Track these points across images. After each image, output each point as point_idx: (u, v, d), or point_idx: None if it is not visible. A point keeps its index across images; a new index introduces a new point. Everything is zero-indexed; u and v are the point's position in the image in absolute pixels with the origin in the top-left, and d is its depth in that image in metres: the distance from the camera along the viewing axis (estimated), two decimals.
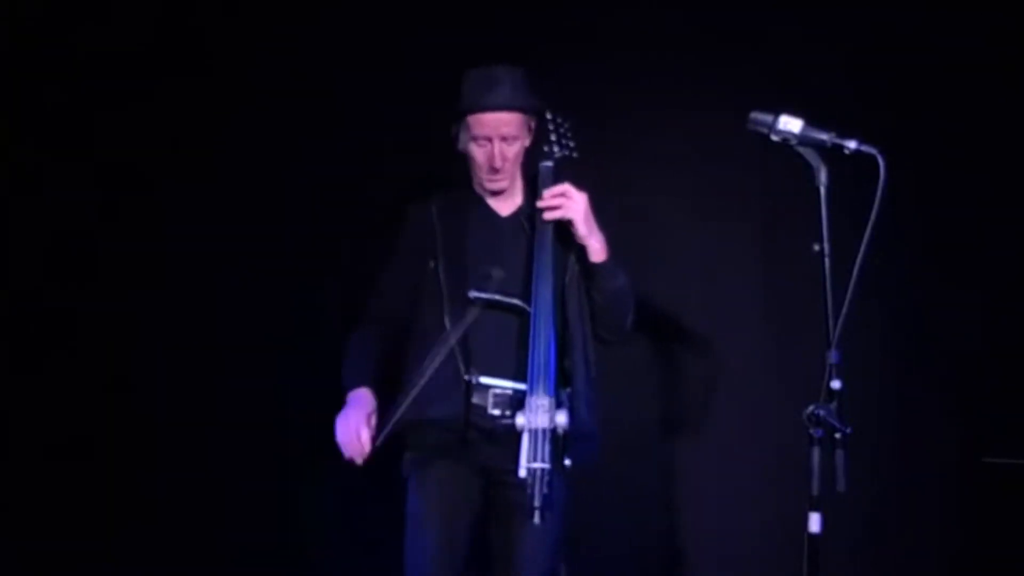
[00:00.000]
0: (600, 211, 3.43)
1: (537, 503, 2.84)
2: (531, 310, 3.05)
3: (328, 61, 3.90)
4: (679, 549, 3.96)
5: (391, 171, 3.83)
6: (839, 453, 2.42)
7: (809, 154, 2.56)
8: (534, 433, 2.91)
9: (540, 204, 3.11)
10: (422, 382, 2.99)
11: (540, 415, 2.93)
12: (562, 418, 2.94)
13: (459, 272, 3.11)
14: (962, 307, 3.91)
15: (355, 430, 2.98)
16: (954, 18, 3.85)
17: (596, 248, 3.16)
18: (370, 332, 3.20)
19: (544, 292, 3.06)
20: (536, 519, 2.83)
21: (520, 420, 2.94)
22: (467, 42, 3.79)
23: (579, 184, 3.17)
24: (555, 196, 3.11)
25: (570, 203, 3.11)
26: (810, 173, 2.55)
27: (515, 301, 3.08)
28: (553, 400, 2.96)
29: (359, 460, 2.98)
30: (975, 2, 3.86)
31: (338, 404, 3.07)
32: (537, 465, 2.88)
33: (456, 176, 3.28)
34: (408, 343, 3.14)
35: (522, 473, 2.89)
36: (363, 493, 3.78)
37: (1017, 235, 3.87)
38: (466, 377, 3.03)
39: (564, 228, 3.15)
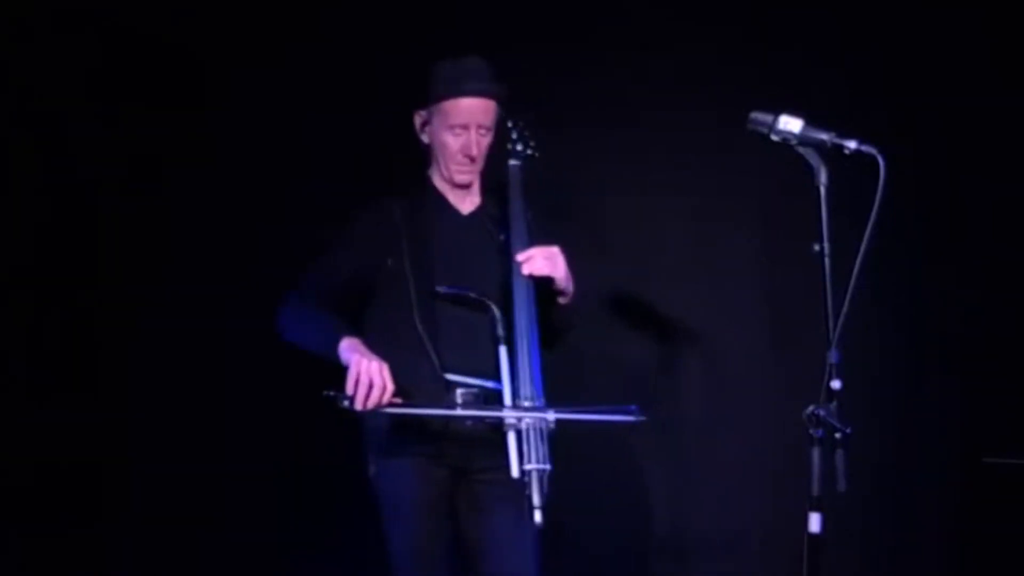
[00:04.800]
0: (600, 211, 3.43)
1: (539, 503, 2.82)
2: (513, 309, 3.04)
3: (332, 63, 3.90)
4: (678, 549, 3.96)
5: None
6: (839, 453, 2.41)
7: (809, 154, 2.56)
8: (524, 433, 2.89)
9: (520, 258, 3.08)
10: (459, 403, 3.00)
11: (530, 414, 2.91)
12: (552, 416, 2.92)
13: (424, 270, 3.09)
14: (962, 307, 3.91)
15: (379, 369, 2.88)
16: (954, 17, 3.86)
17: (570, 292, 3.17)
18: (322, 311, 3.11)
19: (522, 291, 3.06)
20: (538, 519, 2.81)
21: (508, 420, 2.92)
22: (466, 40, 3.79)
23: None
24: (545, 258, 3.09)
25: (557, 264, 3.11)
26: (810, 173, 2.55)
27: (485, 299, 3.07)
28: (543, 399, 2.96)
29: (383, 398, 2.88)
30: (975, 1, 3.86)
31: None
32: (538, 466, 2.86)
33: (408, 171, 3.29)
34: (369, 340, 3.04)
35: (515, 473, 2.87)
36: (322, 496, 3.79)
37: (1018, 235, 3.87)
38: (447, 377, 3.02)
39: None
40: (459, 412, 3.00)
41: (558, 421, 2.93)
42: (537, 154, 3.28)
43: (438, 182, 3.24)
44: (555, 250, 3.12)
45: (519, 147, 3.27)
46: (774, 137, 2.59)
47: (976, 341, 3.89)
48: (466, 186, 3.23)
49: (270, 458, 3.82)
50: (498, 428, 2.95)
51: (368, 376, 2.88)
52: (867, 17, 3.90)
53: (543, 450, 2.88)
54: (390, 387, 2.89)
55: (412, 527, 3.08)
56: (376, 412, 2.92)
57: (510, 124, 3.27)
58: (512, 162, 3.26)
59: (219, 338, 3.84)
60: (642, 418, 2.97)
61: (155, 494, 3.80)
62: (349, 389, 2.88)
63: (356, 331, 3.04)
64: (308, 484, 3.82)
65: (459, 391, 3.03)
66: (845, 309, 2.46)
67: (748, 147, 2.83)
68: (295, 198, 3.85)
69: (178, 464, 3.79)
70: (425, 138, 3.22)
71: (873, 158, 2.49)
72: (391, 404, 2.92)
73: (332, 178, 3.83)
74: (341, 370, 2.94)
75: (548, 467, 2.87)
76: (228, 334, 3.84)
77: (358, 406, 2.88)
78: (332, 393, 2.90)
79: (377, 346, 3.00)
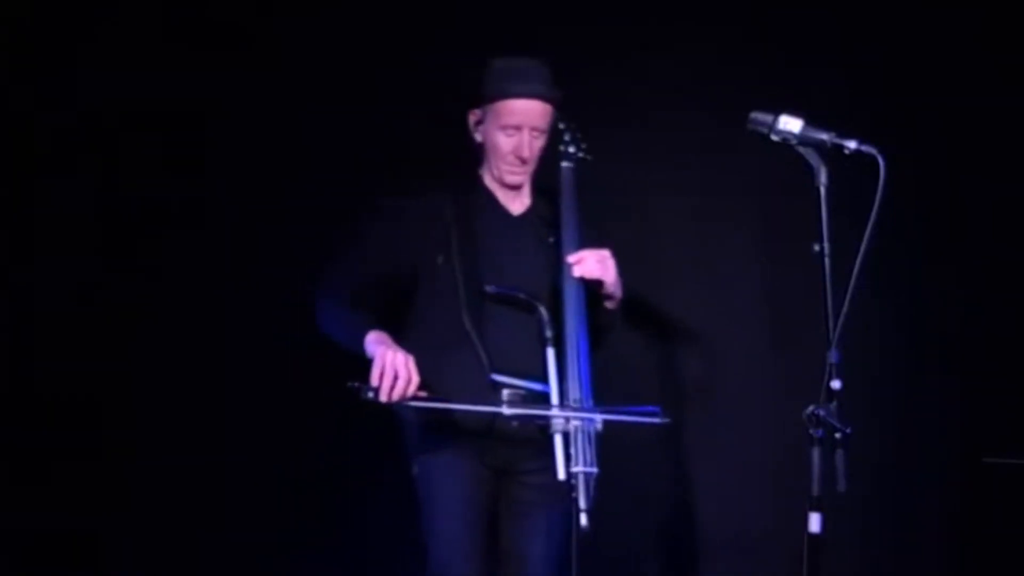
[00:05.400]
0: (601, 211, 3.42)
1: (585, 506, 2.80)
2: (563, 311, 3.02)
3: (348, 55, 3.89)
4: (678, 549, 3.96)
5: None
6: (839, 453, 2.41)
7: (809, 154, 2.56)
8: (571, 435, 2.87)
9: (571, 259, 3.07)
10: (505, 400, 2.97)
11: (579, 417, 2.89)
12: (599, 417, 2.91)
13: (474, 269, 3.07)
14: (962, 307, 3.91)
15: (404, 361, 2.86)
16: (954, 17, 3.86)
17: (618, 297, 3.17)
18: (347, 301, 3.07)
19: (572, 293, 3.04)
20: (584, 522, 2.78)
21: (556, 423, 2.90)
22: (466, 40, 3.81)
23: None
24: (597, 261, 3.08)
25: (608, 267, 3.10)
26: (810, 173, 2.55)
27: (534, 301, 3.04)
28: (592, 402, 2.94)
29: (407, 390, 2.85)
30: (975, 1, 3.86)
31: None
32: (585, 469, 2.83)
33: (459, 168, 3.28)
34: (412, 338, 3.05)
35: (561, 476, 2.85)
36: (323, 495, 3.79)
37: (1018, 235, 3.87)
38: (493, 377, 2.99)
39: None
40: (481, 407, 2.96)
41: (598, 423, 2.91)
42: (590, 157, 3.28)
43: (489, 182, 3.23)
44: (606, 253, 3.10)
45: (571, 149, 3.25)
46: (774, 137, 2.59)
47: (976, 341, 3.89)
48: (516, 187, 3.22)
49: (271, 458, 3.81)
50: (545, 430, 2.92)
51: (393, 368, 2.86)
52: (867, 17, 3.90)
53: (591, 453, 2.86)
54: (415, 379, 2.87)
55: (455, 524, 3.05)
56: (400, 405, 2.90)
57: (562, 126, 3.26)
58: (564, 164, 3.24)
59: (219, 338, 3.84)
60: (666, 420, 2.95)
61: (155, 494, 3.80)
62: (374, 380, 2.86)
63: (384, 326, 3.01)
64: (309, 484, 3.82)
65: (505, 392, 3.00)
66: (845, 309, 2.46)
67: (748, 147, 2.83)
68: (295, 198, 3.85)
69: (178, 464, 3.79)
70: (478, 137, 3.19)
71: (873, 158, 2.49)
72: (416, 397, 2.90)
73: (333, 179, 3.83)
74: (347, 365, 2.93)
75: (595, 470, 2.84)
76: (228, 334, 3.84)
77: (383, 398, 2.86)
78: (356, 384, 2.87)
79: (423, 344, 3.00)
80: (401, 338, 3.01)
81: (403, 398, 2.87)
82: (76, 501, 3.76)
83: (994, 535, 3.80)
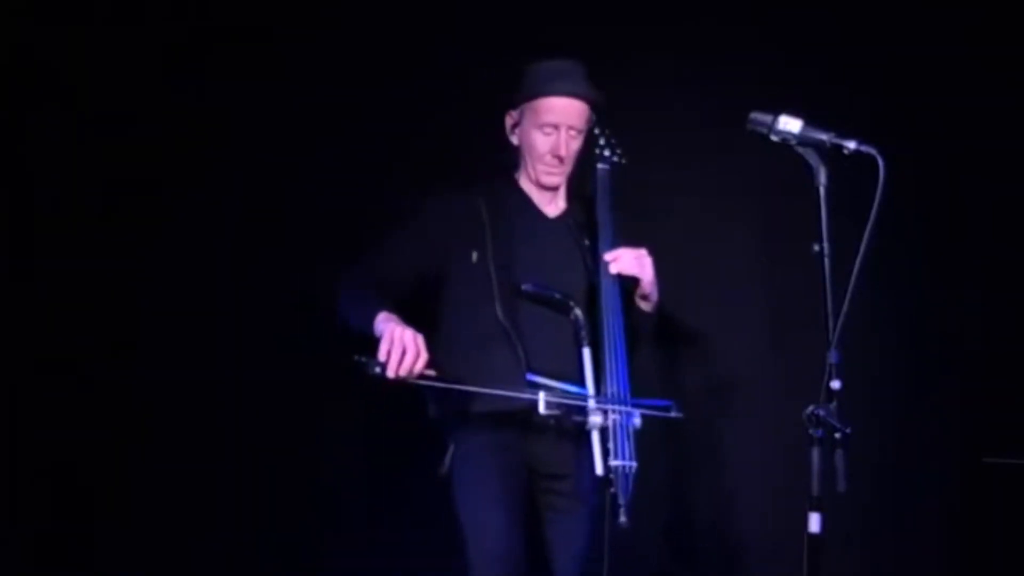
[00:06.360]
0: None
1: (623, 501, 2.81)
2: (601, 310, 3.03)
3: (352, 53, 3.89)
4: (677, 549, 3.96)
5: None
6: (839, 453, 2.42)
7: (809, 154, 2.56)
8: (609, 431, 2.88)
9: (608, 257, 3.08)
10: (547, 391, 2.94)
11: (617, 413, 2.90)
12: (637, 418, 2.93)
13: (508, 266, 3.07)
14: (962, 307, 3.91)
15: (413, 337, 2.84)
16: (954, 17, 3.86)
17: (654, 299, 3.17)
18: (371, 292, 3.06)
19: (609, 292, 3.05)
20: (623, 518, 2.79)
21: (594, 419, 2.90)
22: (466, 41, 3.80)
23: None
24: (634, 258, 3.10)
25: (645, 265, 3.11)
26: (810, 173, 2.55)
27: (569, 301, 3.05)
28: (628, 399, 2.95)
29: (415, 366, 2.83)
30: (975, 1, 3.86)
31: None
32: (624, 463, 2.85)
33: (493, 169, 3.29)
34: (444, 334, 3.06)
35: (599, 471, 2.86)
36: (323, 495, 3.79)
37: (1018, 235, 3.87)
38: (529, 377, 2.98)
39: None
40: (493, 391, 2.93)
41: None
42: (625, 160, 3.30)
43: (525, 184, 3.24)
44: (643, 252, 3.12)
45: (607, 152, 3.28)
46: (774, 137, 2.59)
47: (976, 341, 3.89)
48: (553, 188, 3.23)
49: (271, 459, 3.81)
50: (582, 426, 2.93)
51: (402, 343, 2.83)
52: (867, 17, 3.90)
53: (629, 448, 2.87)
54: (424, 356, 2.85)
55: (501, 521, 3.00)
56: (408, 383, 2.86)
57: (598, 131, 3.28)
58: (600, 166, 3.27)
59: (218, 339, 3.84)
60: (680, 415, 2.97)
61: (154, 494, 3.80)
62: (382, 356, 2.83)
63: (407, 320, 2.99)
64: (309, 484, 3.82)
65: (542, 392, 2.97)
66: (845, 309, 2.46)
67: (748, 147, 2.83)
68: (295, 199, 3.85)
69: (178, 464, 3.79)
70: (515, 140, 3.22)
71: (873, 158, 2.49)
72: (423, 376, 2.87)
73: (333, 179, 3.83)
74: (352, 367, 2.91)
75: (634, 464, 2.86)
76: (226, 335, 3.84)
77: (390, 373, 2.83)
78: (363, 359, 2.84)
79: (455, 340, 3.02)
80: (432, 335, 2.98)
81: (411, 374, 2.85)
82: (74, 501, 3.76)
83: (994, 535, 3.80)
